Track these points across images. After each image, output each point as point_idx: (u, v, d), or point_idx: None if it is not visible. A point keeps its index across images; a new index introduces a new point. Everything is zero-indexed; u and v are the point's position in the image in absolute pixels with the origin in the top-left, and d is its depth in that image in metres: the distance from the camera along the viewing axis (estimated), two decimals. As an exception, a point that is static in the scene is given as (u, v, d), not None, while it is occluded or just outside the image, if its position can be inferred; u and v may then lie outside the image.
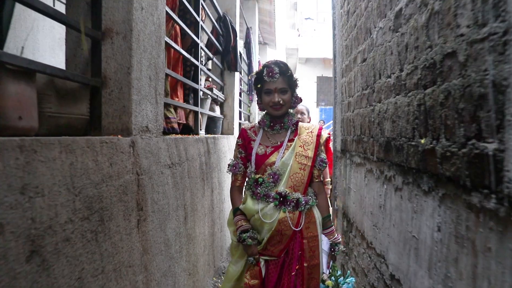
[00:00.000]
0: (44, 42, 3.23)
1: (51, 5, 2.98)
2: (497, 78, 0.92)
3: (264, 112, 2.08)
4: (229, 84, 5.23)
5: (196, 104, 3.39)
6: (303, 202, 1.93)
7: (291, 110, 2.07)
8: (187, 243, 2.30)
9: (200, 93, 3.61)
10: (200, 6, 3.43)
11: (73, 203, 1.06)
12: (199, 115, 3.45)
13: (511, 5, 0.86)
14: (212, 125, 4.38)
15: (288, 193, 1.92)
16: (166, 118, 2.64)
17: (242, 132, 2.09)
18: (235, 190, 2.08)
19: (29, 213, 0.88)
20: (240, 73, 5.80)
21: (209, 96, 4.11)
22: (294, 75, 2.04)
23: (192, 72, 3.38)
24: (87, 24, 1.60)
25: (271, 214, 1.91)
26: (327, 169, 3.71)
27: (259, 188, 1.94)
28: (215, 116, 4.43)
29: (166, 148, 2.00)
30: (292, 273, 1.91)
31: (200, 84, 3.59)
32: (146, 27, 1.75)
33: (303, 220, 1.93)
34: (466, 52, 1.07)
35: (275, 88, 1.94)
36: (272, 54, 12.33)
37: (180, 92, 3.09)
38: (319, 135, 2.04)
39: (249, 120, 7.96)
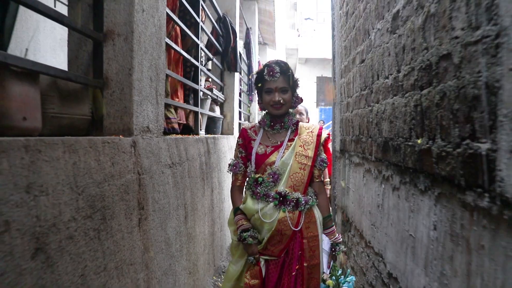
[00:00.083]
0: (46, 43, 3.24)
1: (52, 6, 3.00)
2: (490, 80, 0.94)
3: (264, 112, 2.09)
4: (229, 84, 5.25)
5: (196, 105, 3.41)
6: (303, 202, 1.93)
7: (291, 110, 2.08)
8: (187, 242, 2.32)
9: (200, 94, 3.63)
10: (200, 7, 3.44)
11: (76, 202, 1.09)
12: (199, 115, 3.47)
13: (503, 9, 0.88)
14: (212, 125, 4.40)
15: (288, 193, 1.92)
16: (167, 118, 2.66)
17: (243, 132, 2.09)
18: (236, 190, 2.08)
19: (34, 211, 0.91)
20: (240, 73, 5.81)
21: (209, 96, 4.13)
22: (295, 75, 2.05)
23: (192, 72, 3.40)
24: (89, 26, 1.62)
25: (270, 214, 1.92)
26: (326, 169, 3.72)
27: (259, 188, 1.94)
28: (215, 116, 4.45)
29: (167, 148, 2.02)
30: (293, 273, 1.91)
31: (200, 85, 3.61)
32: (147, 29, 1.77)
33: (302, 220, 1.94)
34: (461, 54, 1.09)
35: (275, 87, 1.94)
36: (272, 54, 12.34)
37: (180, 93, 3.11)
38: (319, 135, 2.04)
39: (249, 120, 7.97)
